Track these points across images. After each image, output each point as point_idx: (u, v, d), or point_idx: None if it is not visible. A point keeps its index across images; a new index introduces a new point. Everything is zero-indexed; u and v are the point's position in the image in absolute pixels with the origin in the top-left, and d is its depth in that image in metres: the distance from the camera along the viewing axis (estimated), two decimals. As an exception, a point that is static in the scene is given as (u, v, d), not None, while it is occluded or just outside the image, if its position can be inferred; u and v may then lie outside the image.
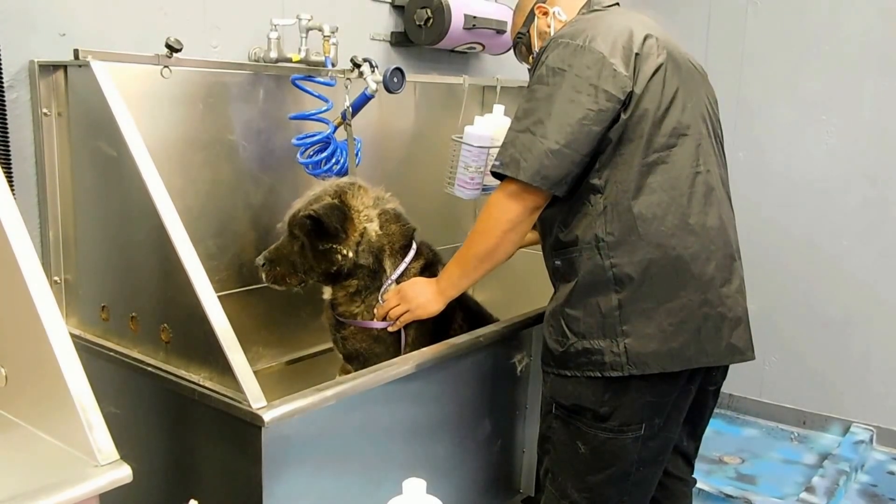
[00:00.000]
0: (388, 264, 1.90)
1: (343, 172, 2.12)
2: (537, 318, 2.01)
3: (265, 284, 1.93)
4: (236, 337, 1.49)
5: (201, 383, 1.54)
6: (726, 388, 1.83)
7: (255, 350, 2.19)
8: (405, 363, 1.72)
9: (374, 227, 1.88)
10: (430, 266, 1.98)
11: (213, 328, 1.48)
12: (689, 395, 1.68)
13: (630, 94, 1.54)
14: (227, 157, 2.11)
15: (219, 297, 1.52)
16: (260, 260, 1.90)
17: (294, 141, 2.13)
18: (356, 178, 2.00)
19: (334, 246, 1.84)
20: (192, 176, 2.03)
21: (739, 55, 3.38)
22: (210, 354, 1.51)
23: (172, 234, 1.54)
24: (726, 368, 1.77)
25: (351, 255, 1.85)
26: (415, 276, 1.93)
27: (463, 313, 2.02)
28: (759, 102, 3.36)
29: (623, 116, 1.54)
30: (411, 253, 1.94)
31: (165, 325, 1.64)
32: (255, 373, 1.49)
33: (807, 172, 3.27)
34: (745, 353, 1.65)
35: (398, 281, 1.91)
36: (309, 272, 1.88)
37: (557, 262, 1.67)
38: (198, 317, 1.50)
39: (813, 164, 3.26)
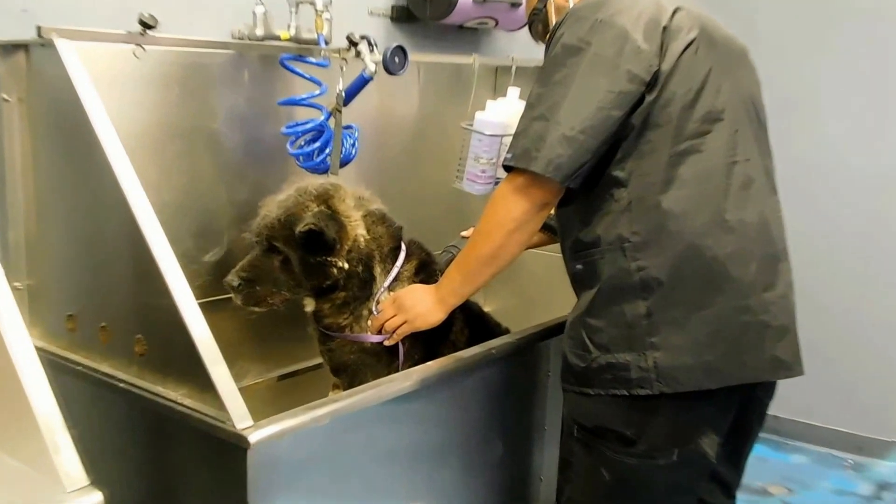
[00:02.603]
0: (378, 271, 1.91)
1: (326, 169, 2.12)
2: (556, 329, 2.01)
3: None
4: (219, 349, 1.50)
5: (180, 401, 1.55)
6: (771, 408, 1.84)
7: (240, 364, 2.21)
8: (407, 379, 1.73)
9: (362, 233, 1.89)
10: (424, 266, 1.99)
11: (193, 339, 1.49)
12: (728, 415, 1.68)
13: (656, 74, 1.54)
14: (209, 147, 2.13)
15: (199, 304, 1.54)
16: (234, 280, 1.85)
17: (283, 129, 2.15)
18: (333, 178, 2.01)
19: (328, 259, 1.84)
20: (170, 169, 2.05)
21: (789, 35, 3.38)
22: (190, 369, 1.52)
23: (147, 234, 1.56)
24: (772, 385, 1.77)
25: (346, 266, 1.86)
26: (409, 279, 1.95)
27: (464, 317, 2.03)
28: (810, 84, 3.35)
29: (648, 98, 1.55)
30: (402, 255, 1.95)
31: (139, 335, 1.66)
32: (242, 389, 1.50)
33: (866, 165, 3.26)
34: (791, 367, 1.65)
35: (391, 287, 1.92)
36: (295, 288, 1.88)
37: (578, 266, 1.68)
38: (176, 327, 1.51)
39: (872, 156, 3.25)
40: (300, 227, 1.80)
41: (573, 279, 1.72)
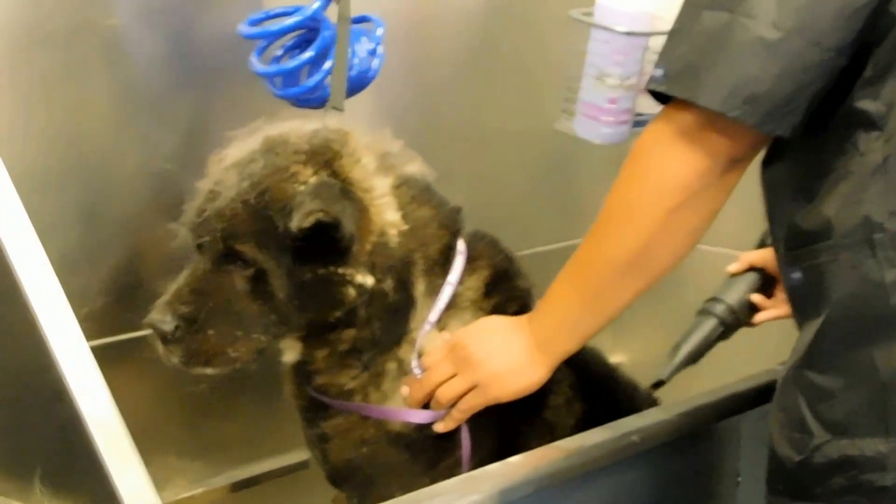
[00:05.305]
0: (420, 289, 1.91)
1: (323, 99, 2.14)
2: (753, 396, 2.03)
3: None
4: (130, 433, 1.53)
5: (55, 528, 1.59)
6: None
7: (166, 460, 2.25)
8: (475, 489, 1.71)
9: (393, 220, 1.88)
10: (502, 281, 2.01)
11: (82, 415, 1.52)
12: None
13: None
14: (105, 61, 2.17)
15: (93, 348, 1.57)
16: (164, 319, 1.78)
17: (242, 28, 2.18)
18: (334, 115, 2.03)
19: (338, 270, 1.81)
20: (39, 102, 2.09)
21: None
22: (74, 469, 1.56)
23: (-1, 222, 1.60)
24: None
25: (368, 282, 1.83)
26: (475, 306, 1.96)
27: (574, 376, 2.03)
28: None
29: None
30: (459, 260, 1.95)
31: (-18, 407, 1.70)
32: (171, 506, 1.53)
33: None
34: None
35: (442, 322, 1.92)
36: (278, 327, 1.85)
37: (795, 275, 1.67)
38: (48, 390, 1.55)
39: None
40: (299, 220, 1.75)
41: (790, 298, 1.72)
